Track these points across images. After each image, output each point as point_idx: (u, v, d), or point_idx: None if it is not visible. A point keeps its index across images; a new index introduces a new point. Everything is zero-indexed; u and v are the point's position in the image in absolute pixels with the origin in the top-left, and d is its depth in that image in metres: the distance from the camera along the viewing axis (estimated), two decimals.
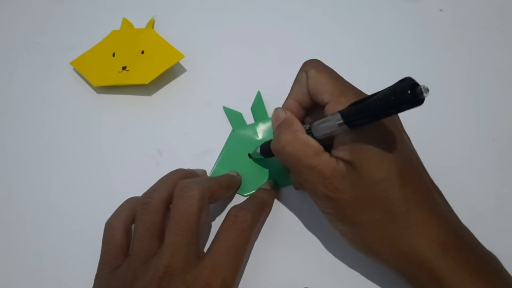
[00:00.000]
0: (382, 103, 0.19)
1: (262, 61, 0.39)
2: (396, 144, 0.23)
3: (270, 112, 0.35)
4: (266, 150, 0.30)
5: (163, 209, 0.26)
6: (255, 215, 0.28)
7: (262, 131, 0.34)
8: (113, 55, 0.39)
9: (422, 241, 0.23)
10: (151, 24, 0.41)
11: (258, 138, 0.34)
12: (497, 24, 0.40)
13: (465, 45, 0.39)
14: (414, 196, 0.23)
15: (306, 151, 0.24)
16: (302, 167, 0.24)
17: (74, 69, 0.40)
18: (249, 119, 0.35)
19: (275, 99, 0.36)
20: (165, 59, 0.37)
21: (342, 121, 0.22)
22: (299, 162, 0.24)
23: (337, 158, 0.23)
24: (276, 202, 0.31)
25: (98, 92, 0.38)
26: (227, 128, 0.35)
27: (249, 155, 0.33)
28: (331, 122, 0.23)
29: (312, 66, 0.26)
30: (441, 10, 0.41)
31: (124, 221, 0.27)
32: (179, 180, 0.28)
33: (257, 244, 0.30)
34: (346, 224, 0.25)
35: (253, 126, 0.34)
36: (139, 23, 0.41)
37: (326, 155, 0.24)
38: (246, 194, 0.32)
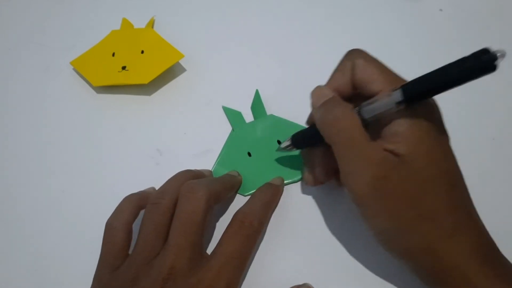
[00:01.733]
0: (452, 71, 0.18)
1: (262, 60, 0.38)
2: (447, 142, 0.23)
3: (269, 110, 0.35)
4: (301, 139, 0.29)
5: (172, 211, 0.26)
6: (261, 220, 0.28)
7: (261, 129, 0.34)
8: (113, 55, 0.39)
9: (459, 244, 0.22)
10: (151, 24, 0.41)
11: (258, 137, 0.34)
12: (497, 24, 0.40)
13: (465, 45, 0.38)
14: (458, 198, 0.23)
15: (362, 131, 0.23)
16: (354, 146, 0.23)
17: (74, 69, 0.40)
18: (249, 118, 0.35)
19: (274, 99, 0.36)
20: (165, 59, 0.37)
21: (401, 96, 0.21)
22: (352, 142, 0.23)
23: (387, 149, 0.22)
24: (280, 202, 0.31)
25: (98, 92, 0.38)
26: (227, 128, 0.35)
27: (278, 146, 0.32)
28: (387, 99, 0.22)
29: (359, 56, 0.25)
30: (441, 10, 0.41)
31: (125, 221, 0.27)
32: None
33: (260, 244, 0.30)
34: (385, 219, 0.23)
35: (253, 124, 0.34)
36: (139, 23, 0.41)
37: (377, 142, 0.23)
38: (246, 194, 0.32)
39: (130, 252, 0.27)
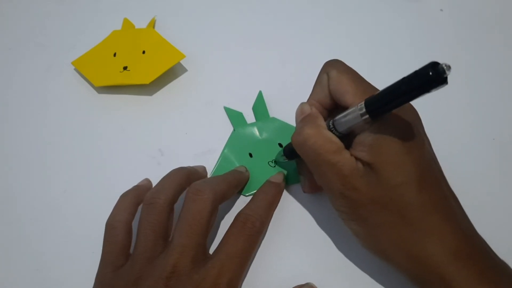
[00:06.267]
0: (405, 86, 0.19)
1: (263, 61, 0.39)
2: (417, 148, 0.23)
3: (271, 112, 0.35)
4: (290, 151, 0.30)
5: (169, 210, 0.27)
6: (263, 221, 0.28)
7: (263, 131, 0.34)
8: (114, 55, 0.39)
9: (436, 247, 0.22)
10: (152, 24, 0.41)
11: (259, 138, 0.34)
12: (497, 24, 0.40)
13: (465, 45, 0.39)
14: (431, 202, 0.23)
15: (328, 147, 0.24)
16: (322, 162, 0.24)
17: (75, 69, 0.40)
18: (250, 119, 0.35)
19: (276, 99, 0.36)
20: (166, 59, 0.37)
21: (365, 110, 0.22)
22: (319, 157, 0.24)
23: (356, 158, 0.23)
24: (281, 201, 0.31)
25: (99, 92, 0.38)
26: (228, 128, 0.35)
27: (274, 161, 0.33)
28: (354, 113, 0.22)
29: (333, 67, 0.26)
30: (441, 10, 0.41)
31: (125, 220, 0.27)
32: (182, 179, 0.28)
33: (261, 243, 0.30)
34: (360, 224, 0.25)
35: (254, 125, 0.34)
36: (140, 23, 0.41)
37: (346, 153, 0.24)
38: (247, 194, 0.32)
39: (131, 250, 0.27)
